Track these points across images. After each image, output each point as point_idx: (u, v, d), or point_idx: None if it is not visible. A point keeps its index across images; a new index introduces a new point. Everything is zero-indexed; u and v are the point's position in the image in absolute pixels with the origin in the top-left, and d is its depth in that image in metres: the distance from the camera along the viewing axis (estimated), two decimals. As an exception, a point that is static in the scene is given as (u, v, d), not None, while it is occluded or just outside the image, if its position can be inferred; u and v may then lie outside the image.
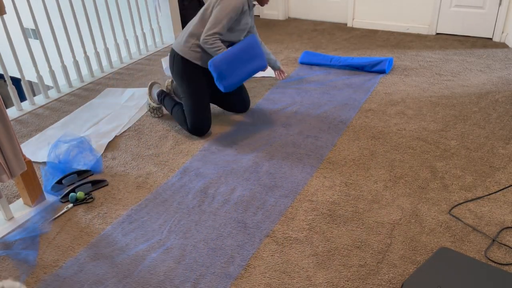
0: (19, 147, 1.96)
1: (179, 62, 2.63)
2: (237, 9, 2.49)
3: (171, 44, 4.38)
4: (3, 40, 6.35)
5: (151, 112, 2.96)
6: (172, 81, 2.99)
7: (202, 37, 2.49)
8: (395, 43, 4.06)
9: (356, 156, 2.41)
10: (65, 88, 3.51)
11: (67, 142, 2.52)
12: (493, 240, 1.80)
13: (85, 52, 3.62)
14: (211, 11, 2.54)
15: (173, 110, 2.76)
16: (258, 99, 3.12)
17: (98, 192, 2.24)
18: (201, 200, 2.13)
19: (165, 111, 3.02)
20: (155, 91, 2.91)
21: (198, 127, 2.63)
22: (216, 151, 2.52)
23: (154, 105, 2.90)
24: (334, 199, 2.09)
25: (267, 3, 2.75)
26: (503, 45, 3.83)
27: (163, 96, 2.85)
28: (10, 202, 2.21)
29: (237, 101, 2.86)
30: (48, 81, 5.64)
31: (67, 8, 4.97)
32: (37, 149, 2.65)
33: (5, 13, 2.47)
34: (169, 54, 2.69)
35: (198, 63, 2.62)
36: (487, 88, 3.10)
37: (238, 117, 2.89)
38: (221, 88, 2.47)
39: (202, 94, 2.63)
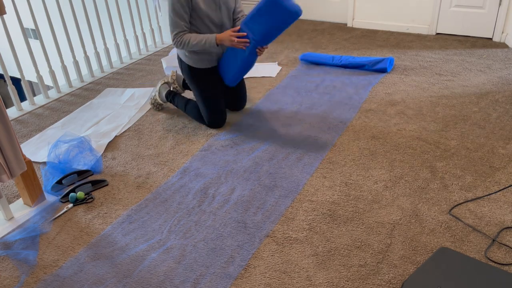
0: (19, 147, 1.96)
1: (185, 67, 2.71)
2: None
3: (172, 44, 4.38)
4: (3, 40, 6.35)
5: (153, 105, 3.04)
6: (176, 71, 3.06)
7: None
8: (395, 43, 4.06)
9: (356, 156, 2.41)
10: (65, 88, 3.51)
11: (67, 142, 2.52)
12: (493, 240, 1.80)
13: (85, 52, 3.62)
14: None
15: (186, 108, 2.84)
16: (258, 99, 3.12)
17: (98, 192, 2.24)
18: (201, 200, 2.13)
19: (172, 107, 3.06)
20: (164, 91, 2.97)
21: (214, 122, 2.73)
22: (216, 151, 2.52)
23: (160, 101, 2.99)
24: (334, 199, 2.09)
25: None
26: (503, 45, 3.83)
27: (172, 96, 2.93)
28: (10, 202, 2.21)
29: (234, 99, 2.89)
30: (48, 81, 5.64)
31: (67, 8, 4.97)
32: (37, 149, 2.65)
33: (5, 13, 2.47)
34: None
35: (201, 66, 2.67)
36: (487, 88, 3.10)
37: (238, 117, 2.89)
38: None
39: (213, 91, 2.69)
